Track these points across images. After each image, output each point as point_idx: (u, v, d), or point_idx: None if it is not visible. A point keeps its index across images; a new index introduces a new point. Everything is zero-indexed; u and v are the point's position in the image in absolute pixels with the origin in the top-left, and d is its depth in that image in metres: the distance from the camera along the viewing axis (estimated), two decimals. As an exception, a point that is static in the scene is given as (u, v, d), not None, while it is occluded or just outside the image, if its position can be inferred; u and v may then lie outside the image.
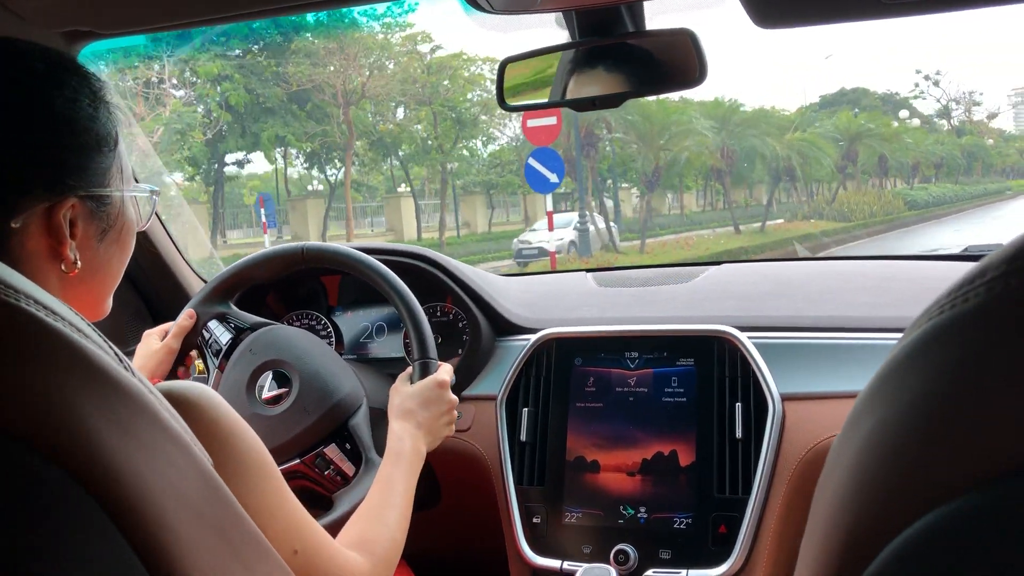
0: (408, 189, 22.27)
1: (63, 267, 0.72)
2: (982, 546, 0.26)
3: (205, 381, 1.27)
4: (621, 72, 1.13)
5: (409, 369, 1.21)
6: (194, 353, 1.31)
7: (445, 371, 1.21)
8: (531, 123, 12.43)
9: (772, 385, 1.25)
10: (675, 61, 1.09)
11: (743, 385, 1.27)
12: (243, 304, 1.57)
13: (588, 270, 1.77)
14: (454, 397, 1.20)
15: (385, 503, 1.01)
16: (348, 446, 1.19)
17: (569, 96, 1.16)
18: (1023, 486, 0.25)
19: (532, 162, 12.59)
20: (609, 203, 20.95)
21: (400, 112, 20.86)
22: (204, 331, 1.28)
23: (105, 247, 0.77)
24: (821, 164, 22.93)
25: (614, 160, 21.08)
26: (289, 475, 1.15)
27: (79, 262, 0.73)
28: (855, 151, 24.97)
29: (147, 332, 1.29)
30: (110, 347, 0.50)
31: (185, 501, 0.49)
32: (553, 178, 12.66)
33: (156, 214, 0.94)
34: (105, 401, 0.46)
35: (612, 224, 18.77)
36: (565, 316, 1.52)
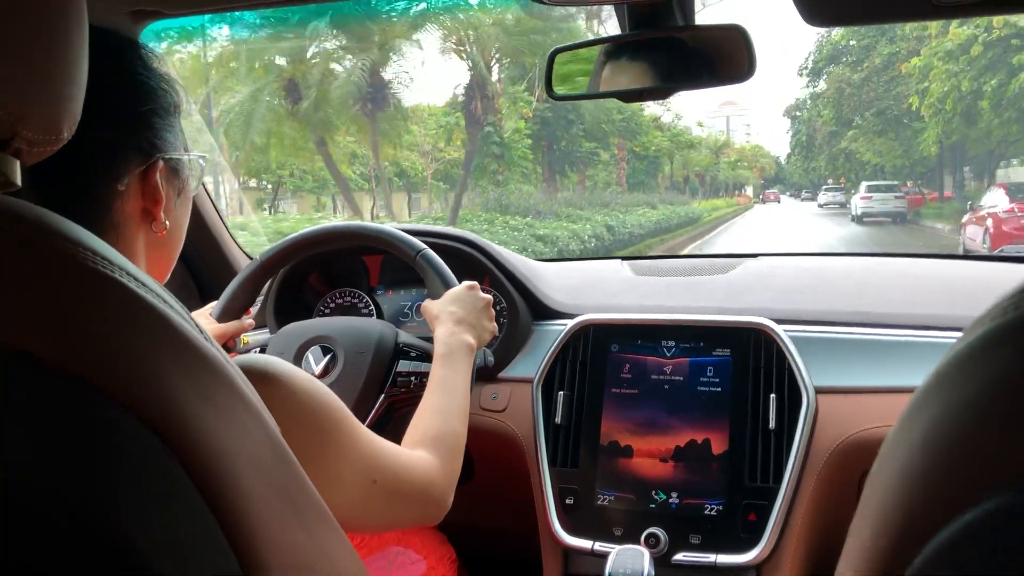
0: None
1: (153, 227, 0.76)
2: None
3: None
4: (670, 65, 1.14)
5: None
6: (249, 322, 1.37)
7: (468, 282, 1.26)
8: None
9: (806, 377, 1.27)
10: (724, 56, 1.10)
11: (778, 377, 1.29)
12: (287, 284, 1.62)
13: (624, 258, 1.79)
14: (487, 296, 1.25)
15: (443, 400, 1.06)
16: (413, 354, 1.28)
17: (617, 87, 1.18)
18: None
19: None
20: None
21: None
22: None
23: (179, 208, 0.81)
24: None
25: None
26: (386, 411, 1.24)
27: (167, 222, 0.77)
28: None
29: (194, 313, 1.34)
30: (190, 318, 0.54)
31: (256, 465, 0.52)
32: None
33: (203, 183, 0.99)
34: (189, 369, 0.49)
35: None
36: (603, 303, 1.54)
